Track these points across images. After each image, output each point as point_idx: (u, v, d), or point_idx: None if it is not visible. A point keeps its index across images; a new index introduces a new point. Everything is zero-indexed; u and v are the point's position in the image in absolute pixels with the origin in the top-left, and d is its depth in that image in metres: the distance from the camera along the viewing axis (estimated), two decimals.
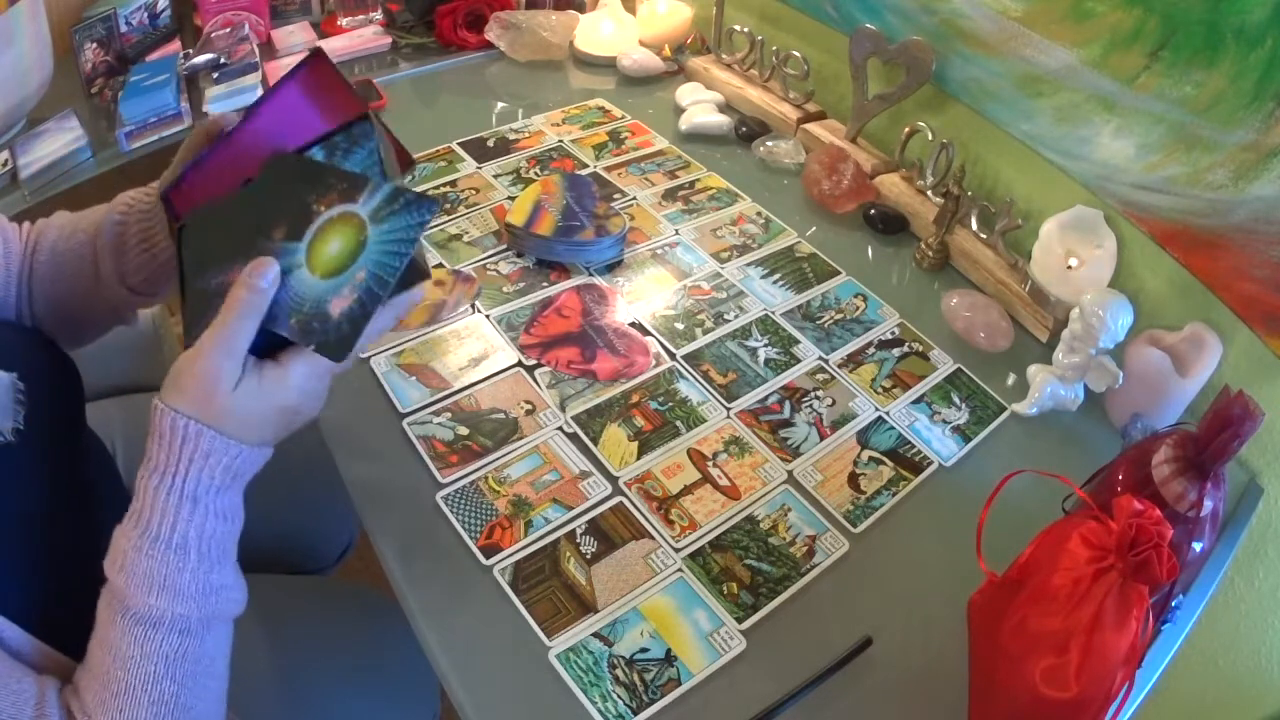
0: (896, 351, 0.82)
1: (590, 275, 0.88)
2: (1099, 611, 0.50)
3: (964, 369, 0.81)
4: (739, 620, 0.60)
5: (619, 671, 0.57)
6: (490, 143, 1.06)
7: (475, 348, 0.79)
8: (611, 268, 0.89)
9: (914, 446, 0.74)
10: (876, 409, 0.77)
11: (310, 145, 0.51)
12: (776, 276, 0.89)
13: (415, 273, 0.50)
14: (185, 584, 0.47)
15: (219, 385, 0.47)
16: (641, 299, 0.86)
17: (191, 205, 0.55)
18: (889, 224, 0.96)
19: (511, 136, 1.07)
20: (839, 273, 0.91)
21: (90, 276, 0.63)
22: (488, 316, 0.82)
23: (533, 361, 0.78)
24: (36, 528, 0.52)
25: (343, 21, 1.29)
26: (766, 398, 0.77)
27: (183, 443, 0.47)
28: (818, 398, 0.77)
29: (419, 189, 0.97)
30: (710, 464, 0.71)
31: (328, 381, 0.52)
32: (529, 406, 0.74)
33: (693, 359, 0.80)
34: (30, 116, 1.05)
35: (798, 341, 0.82)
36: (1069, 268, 0.82)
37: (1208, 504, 0.58)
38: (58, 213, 0.66)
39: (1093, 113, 0.79)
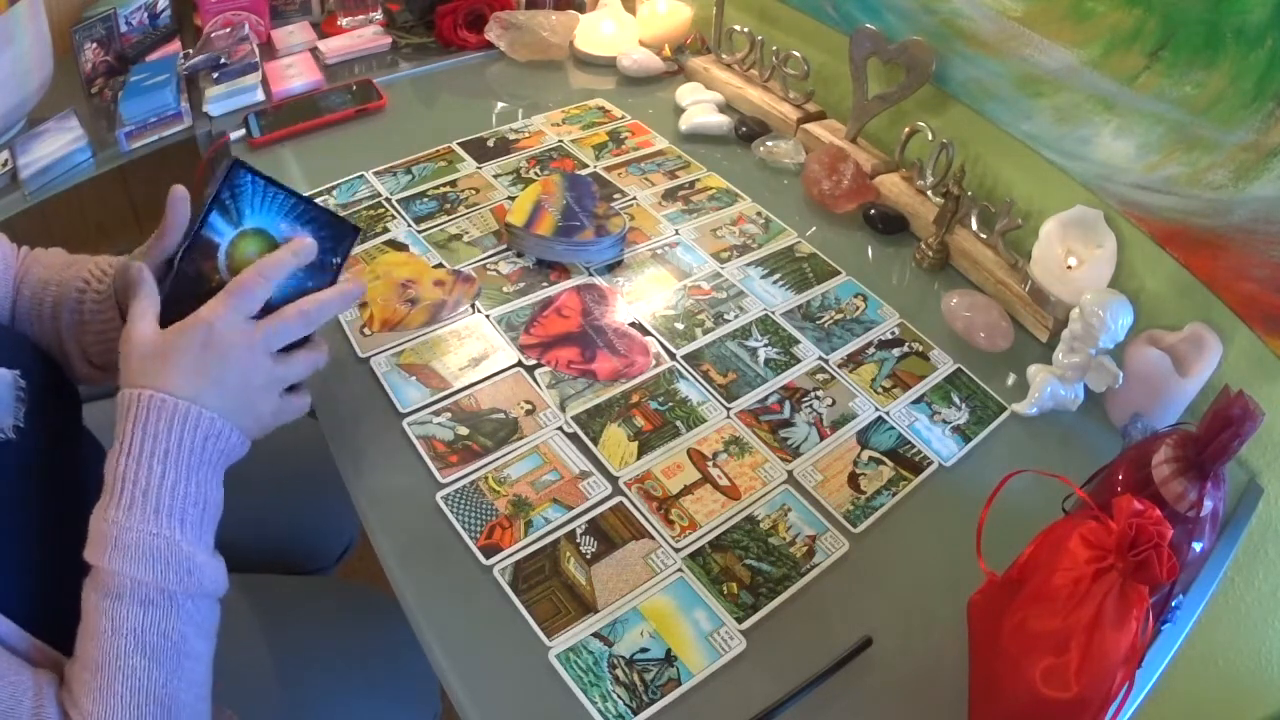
0: (896, 351, 0.82)
1: (590, 275, 0.88)
2: (1099, 611, 0.50)
3: (964, 369, 0.81)
4: (739, 620, 0.60)
5: (619, 671, 0.57)
6: (490, 143, 1.06)
7: (475, 348, 0.79)
8: (611, 268, 0.89)
9: (914, 446, 0.74)
10: (876, 409, 0.77)
11: (206, 217, 0.56)
12: (776, 276, 0.89)
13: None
14: (131, 543, 0.47)
15: (134, 342, 0.51)
16: (641, 299, 0.86)
17: None
18: (889, 224, 0.96)
19: (511, 136, 1.07)
20: (839, 273, 0.91)
21: (58, 347, 0.64)
22: (488, 316, 0.82)
23: (533, 361, 0.78)
24: (35, 525, 0.52)
25: (343, 21, 1.29)
26: (766, 398, 0.77)
27: (128, 409, 0.50)
28: (818, 398, 0.77)
29: (419, 190, 0.97)
30: (710, 464, 0.71)
31: (254, 327, 0.54)
32: (529, 406, 0.74)
33: (693, 359, 0.80)
34: (30, 116, 1.05)
35: (798, 341, 0.82)
36: (1069, 268, 0.82)
37: (1208, 504, 0.58)
38: (53, 251, 0.67)
39: (1093, 113, 0.79)
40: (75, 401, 0.63)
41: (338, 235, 0.60)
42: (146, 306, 0.53)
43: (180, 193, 0.57)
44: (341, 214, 0.61)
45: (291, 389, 0.59)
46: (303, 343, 0.58)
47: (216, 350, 0.52)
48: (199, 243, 0.56)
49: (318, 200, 0.61)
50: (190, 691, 0.50)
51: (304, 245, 0.57)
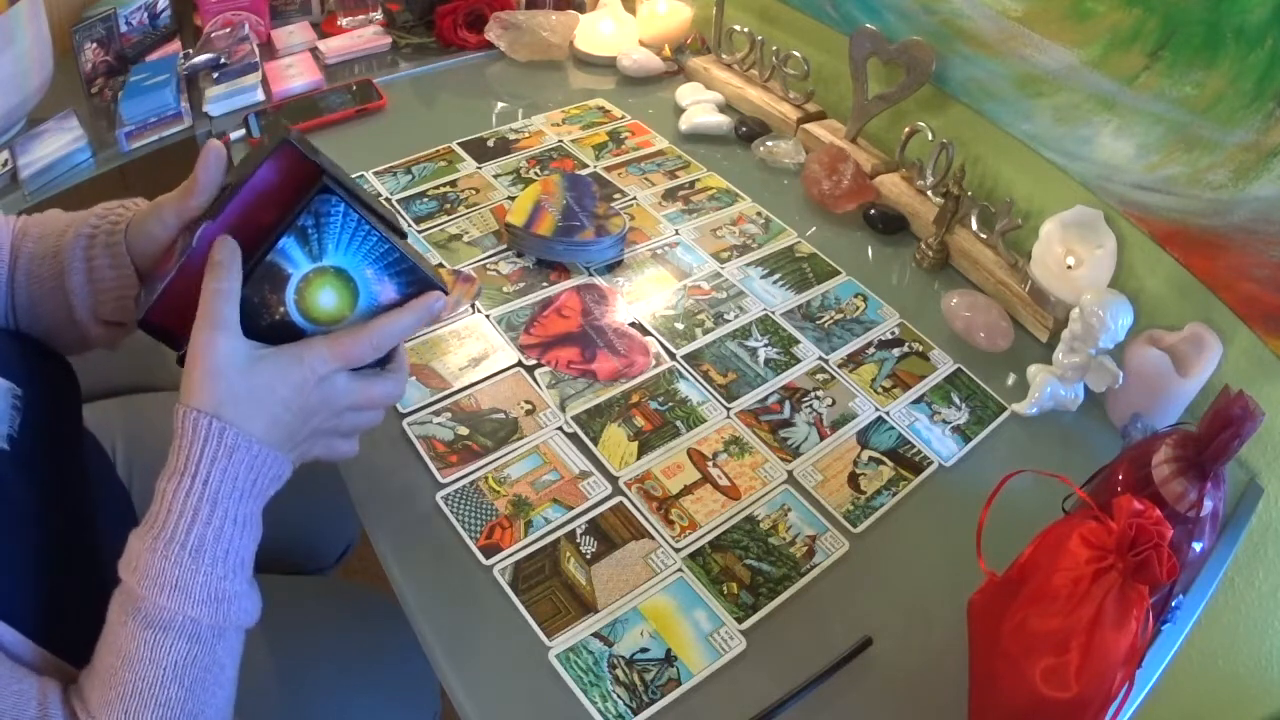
0: (896, 351, 0.82)
1: (590, 275, 0.88)
2: (1099, 611, 0.50)
3: (964, 369, 0.81)
4: (739, 620, 0.60)
5: (619, 671, 0.57)
6: (490, 143, 1.06)
7: (475, 348, 0.79)
8: (611, 268, 0.89)
9: (914, 446, 0.74)
10: (876, 409, 0.77)
11: (276, 242, 0.49)
12: (776, 276, 0.89)
13: (386, 223, 0.53)
14: (198, 588, 0.46)
15: (219, 360, 0.47)
16: (641, 299, 0.86)
17: (174, 315, 0.52)
18: (889, 224, 0.96)
19: (511, 136, 1.07)
20: (839, 273, 0.91)
21: (65, 315, 0.60)
22: (488, 316, 0.82)
23: (533, 361, 0.78)
24: (36, 533, 0.52)
25: (343, 21, 1.29)
26: (766, 398, 0.77)
27: (205, 442, 0.46)
28: (818, 398, 0.77)
29: (419, 190, 0.97)
30: (710, 464, 0.71)
31: (348, 394, 0.52)
32: (529, 406, 0.74)
33: (693, 359, 0.80)
34: (30, 116, 1.05)
35: (798, 341, 0.82)
36: (1069, 268, 0.82)
37: (1208, 504, 0.58)
38: (49, 216, 0.62)
39: (1093, 113, 0.79)
40: (75, 404, 0.62)
41: (422, 292, 0.53)
42: (229, 316, 0.48)
43: (217, 150, 0.52)
44: (428, 266, 0.54)
45: None
46: None
47: (306, 404, 0.50)
48: (268, 270, 0.49)
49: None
50: (218, 716, 0.49)
51: (425, 309, 0.53)
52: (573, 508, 0.66)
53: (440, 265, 0.87)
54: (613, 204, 0.94)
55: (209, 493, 0.47)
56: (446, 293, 0.55)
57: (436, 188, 0.98)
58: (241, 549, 0.49)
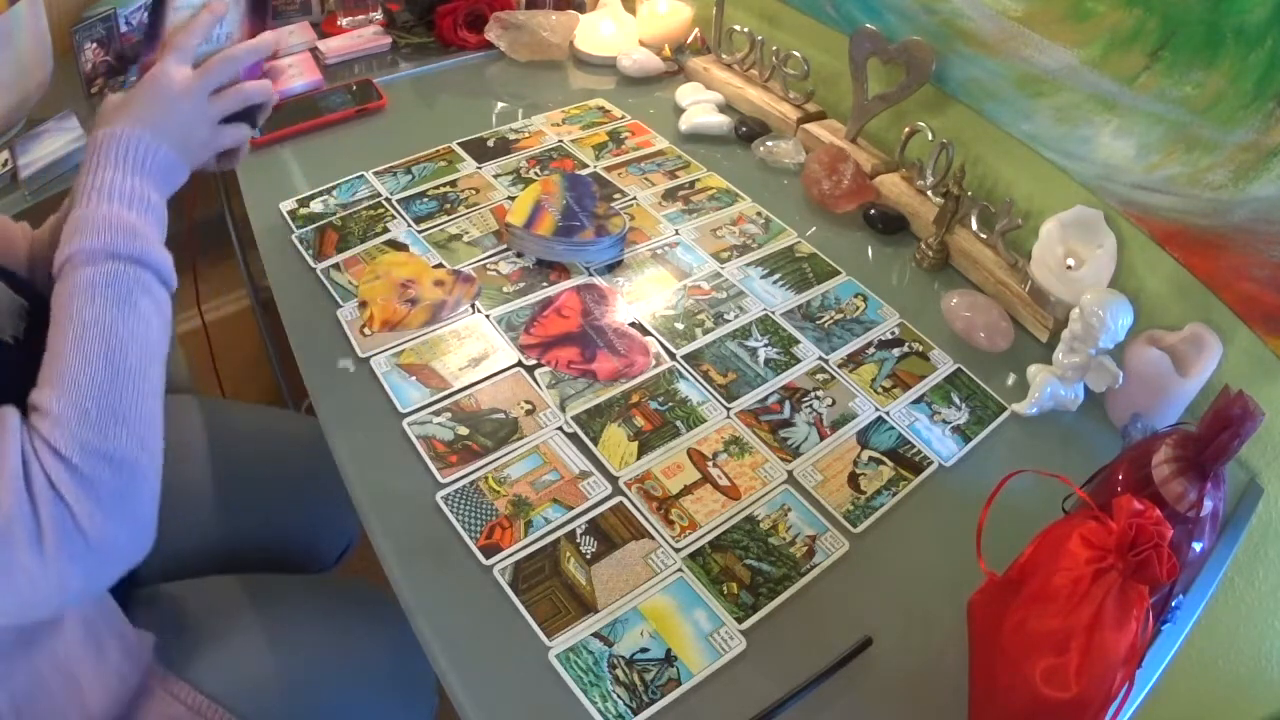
0: (896, 351, 0.82)
1: (590, 275, 0.88)
2: (1099, 611, 0.50)
3: (964, 369, 0.81)
4: (739, 620, 0.60)
5: (619, 671, 0.57)
6: (490, 143, 1.06)
7: (475, 348, 0.79)
8: (611, 268, 0.89)
9: (914, 446, 0.74)
10: (876, 409, 0.77)
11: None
12: (776, 276, 0.89)
13: None
14: (88, 218, 0.54)
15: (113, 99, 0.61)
16: (641, 299, 0.86)
17: None
18: (889, 224, 0.96)
19: (511, 136, 1.07)
20: (839, 273, 0.91)
21: None
22: (488, 316, 0.82)
23: (533, 361, 0.78)
24: None
25: (343, 21, 1.29)
26: (766, 398, 0.77)
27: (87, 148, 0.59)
28: (818, 398, 0.77)
29: (419, 190, 0.97)
30: (710, 464, 0.71)
31: (190, 79, 0.62)
32: (529, 406, 0.74)
33: (693, 359, 0.80)
34: (30, 116, 1.05)
35: (798, 341, 0.82)
36: (1069, 268, 0.82)
37: (1208, 504, 0.58)
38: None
39: (1093, 113, 0.79)
40: None
41: None
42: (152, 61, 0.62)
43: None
44: None
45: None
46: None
47: (159, 94, 0.60)
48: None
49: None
50: (137, 347, 0.53)
51: None
52: (573, 508, 0.66)
53: (440, 265, 0.87)
54: (613, 204, 0.94)
55: (90, 168, 0.57)
56: None
57: (436, 188, 0.98)
58: (127, 196, 0.57)
